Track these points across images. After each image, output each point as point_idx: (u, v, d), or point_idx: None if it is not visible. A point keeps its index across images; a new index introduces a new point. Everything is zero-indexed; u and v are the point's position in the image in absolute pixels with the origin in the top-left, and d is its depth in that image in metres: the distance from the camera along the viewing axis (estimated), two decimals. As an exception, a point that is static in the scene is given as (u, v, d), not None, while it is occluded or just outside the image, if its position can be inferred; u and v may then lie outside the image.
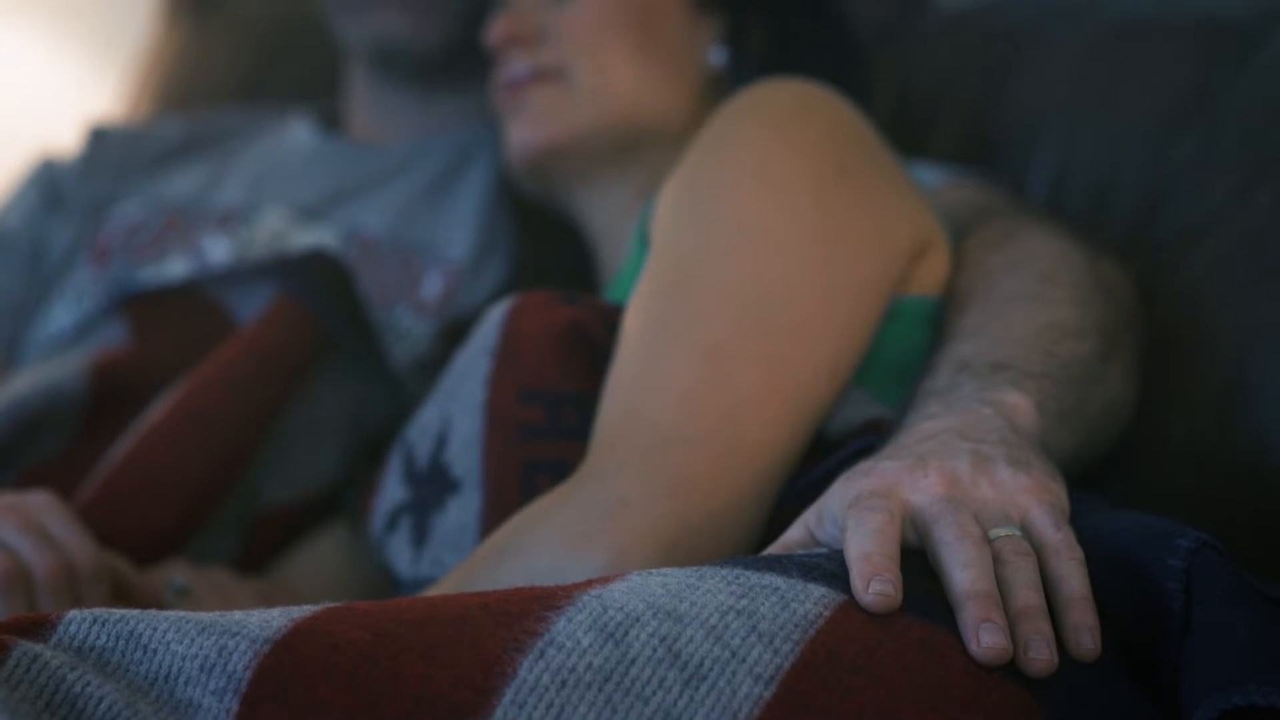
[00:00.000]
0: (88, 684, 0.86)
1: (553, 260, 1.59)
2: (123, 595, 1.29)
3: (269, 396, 1.45)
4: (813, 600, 0.92)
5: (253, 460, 1.45)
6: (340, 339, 1.49)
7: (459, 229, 1.69)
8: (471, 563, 1.12)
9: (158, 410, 1.43)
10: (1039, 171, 1.55)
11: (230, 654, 0.87)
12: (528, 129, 1.48)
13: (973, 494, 1.00)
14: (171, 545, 1.40)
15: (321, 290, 1.50)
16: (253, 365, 1.45)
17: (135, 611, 0.90)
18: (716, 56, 1.50)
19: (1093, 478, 1.20)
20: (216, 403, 1.43)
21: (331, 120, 1.86)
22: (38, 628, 0.90)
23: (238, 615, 0.90)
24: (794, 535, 1.03)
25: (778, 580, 0.93)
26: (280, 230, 1.70)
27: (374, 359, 1.51)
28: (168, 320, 1.56)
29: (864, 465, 1.03)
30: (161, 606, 1.29)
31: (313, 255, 1.55)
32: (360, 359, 1.50)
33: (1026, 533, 0.98)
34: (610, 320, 1.21)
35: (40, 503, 1.28)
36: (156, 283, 1.63)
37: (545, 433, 1.20)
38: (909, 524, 0.98)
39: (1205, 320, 1.31)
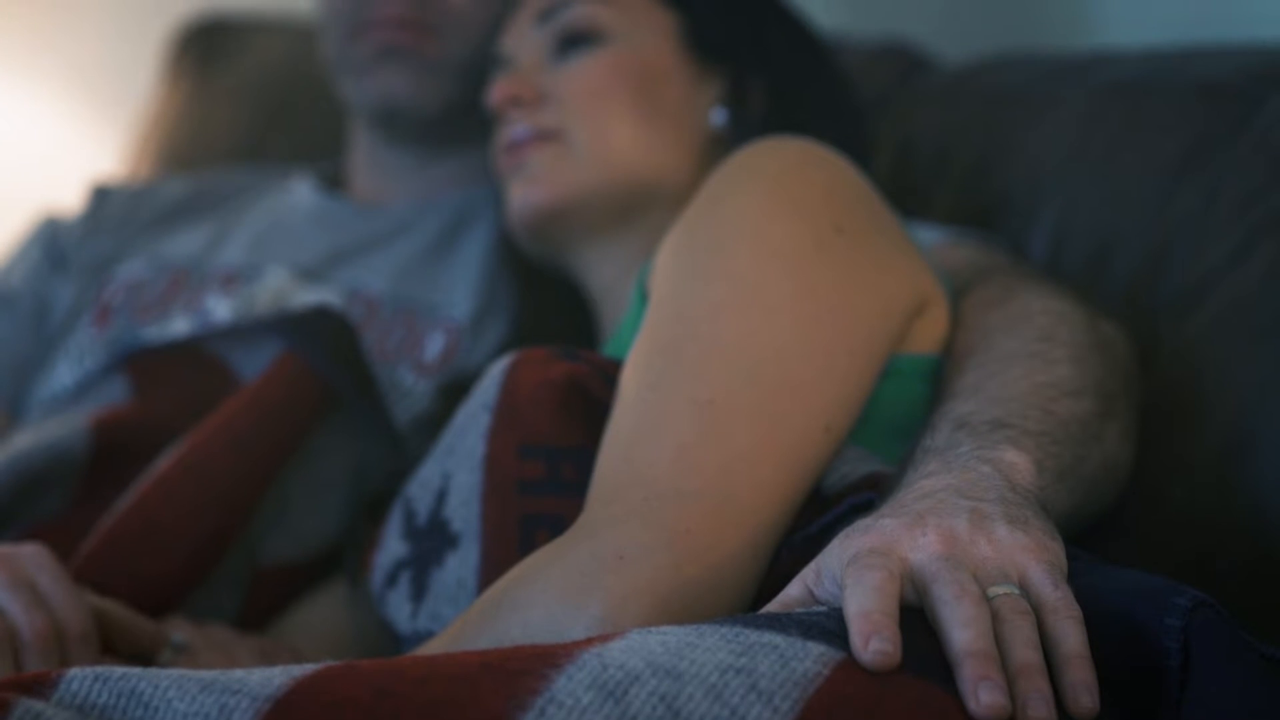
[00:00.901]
0: (89, 741, 0.86)
1: (553, 320, 1.59)
2: (119, 638, 1.29)
3: (271, 451, 1.45)
4: (812, 658, 0.92)
5: (254, 515, 1.45)
6: (344, 396, 1.49)
7: (460, 289, 1.69)
8: (468, 616, 1.12)
9: (161, 464, 1.43)
10: (1039, 231, 1.55)
11: (231, 712, 0.87)
12: (528, 190, 1.49)
13: (971, 552, 1.00)
14: (172, 597, 1.40)
15: (326, 346, 1.50)
16: (255, 420, 1.45)
17: (137, 670, 0.91)
18: (717, 117, 1.51)
19: (1090, 536, 1.20)
20: (219, 457, 1.43)
21: (334, 181, 1.87)
22: (39, 685, 0.90)
23: (239, 673, 0.90)
24: (793, 593, 1.03)
25: (777, 638, 0.94)
26: (282, 290, 1.71)
27: (378, 416, 1.51)
28: (170, 378, 1.56)
29: (863, 523, 1.03)
30: (158, 649, 1.30)
31: (317, 311, 1.56)
32: (364, 416, 1.51)
33: (1025, 591, 0.98)
34: (609, 375, 1.22)
35: (31, 557, 1.26)
36: (159, 340, 1.63)
37: (544, 487, 1.21)
38: (908, 582, 0.99)
39: (1203, 380, 1.31)
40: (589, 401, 1.22)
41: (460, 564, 1.24)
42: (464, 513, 1.25)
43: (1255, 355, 1.29)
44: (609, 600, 1.07)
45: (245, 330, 1.56)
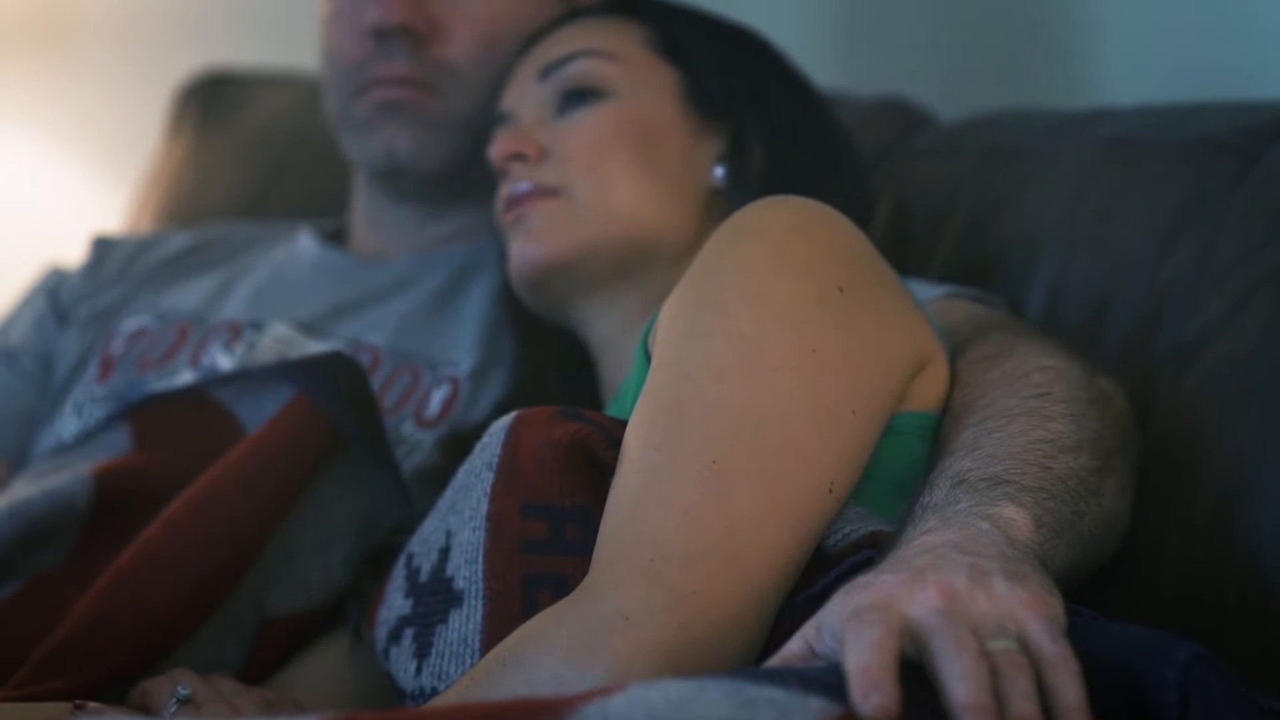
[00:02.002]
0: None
1: (554, 375, 1.60)
2: None
3: (279, 491, 1.45)
4: (811, 712, 0.92)
5: (261, 555, 1.45)
6: (353, 441, 1.49)
7: (462, 343, 1.70)
8: (474, 675, 1.13)
9: (170, 507, 1.44)
10: (1036, 287, 1.56)
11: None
12: (530, 245, 1.49)
13: (970, 607, 1.00)
14: (178, 633, 1.41)
15: (338, 392, 1.50)
16: (264, 460, 1.45)
17: (142, 718, 0.91)
18: (718, 174, 1.52)
19: (1088, 590, 1.21)
20: (227, 494, 1.43)
21: (336, 236, 1.88)
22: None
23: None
24: (793, 648, 1.04)
25: (777, 693, 0.94)
26: (285, 344, 1.71)
27: (386, 464, 1.51)
28: (174, 428, 1.57)
29: (862, 579, 1.04)
30: (148, 710, 1.30)
31: (330, 356, 1.56)
32: (372, 466, 1.51)
33: (1023, 645, 0.98)
34: (613, 435, 1.22)
35: None
36: (162, 389, 1.64)
37: (547, 547, 1.21)
38: (907, 637, 0.99)
39: (1200, 435, 1.32)
40: (592, 461, 1.22)
41: (464, 622, 1.25)
42: (467, 571, 1.25)
43: (1251, 410, 1.29)
44: (615, 661, 1.07)
45: (255, 376, 1.56)
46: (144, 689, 1.35)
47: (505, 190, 1.53)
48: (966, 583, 1.01)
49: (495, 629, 1.21)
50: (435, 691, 1.25)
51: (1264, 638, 1.22)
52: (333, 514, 1.49)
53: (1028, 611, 1.00)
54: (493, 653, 1.13)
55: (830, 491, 1.17)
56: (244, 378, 1.57)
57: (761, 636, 1.13)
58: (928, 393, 1.27)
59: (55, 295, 1.86)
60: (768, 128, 1.55)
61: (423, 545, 1.32)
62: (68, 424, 1.72)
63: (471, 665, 1.21)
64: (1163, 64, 1.83)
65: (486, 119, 1.64)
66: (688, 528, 1.12)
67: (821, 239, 1.26)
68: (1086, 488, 1.19)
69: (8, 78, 3.04)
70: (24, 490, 1.54)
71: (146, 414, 1.59)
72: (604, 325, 1.51)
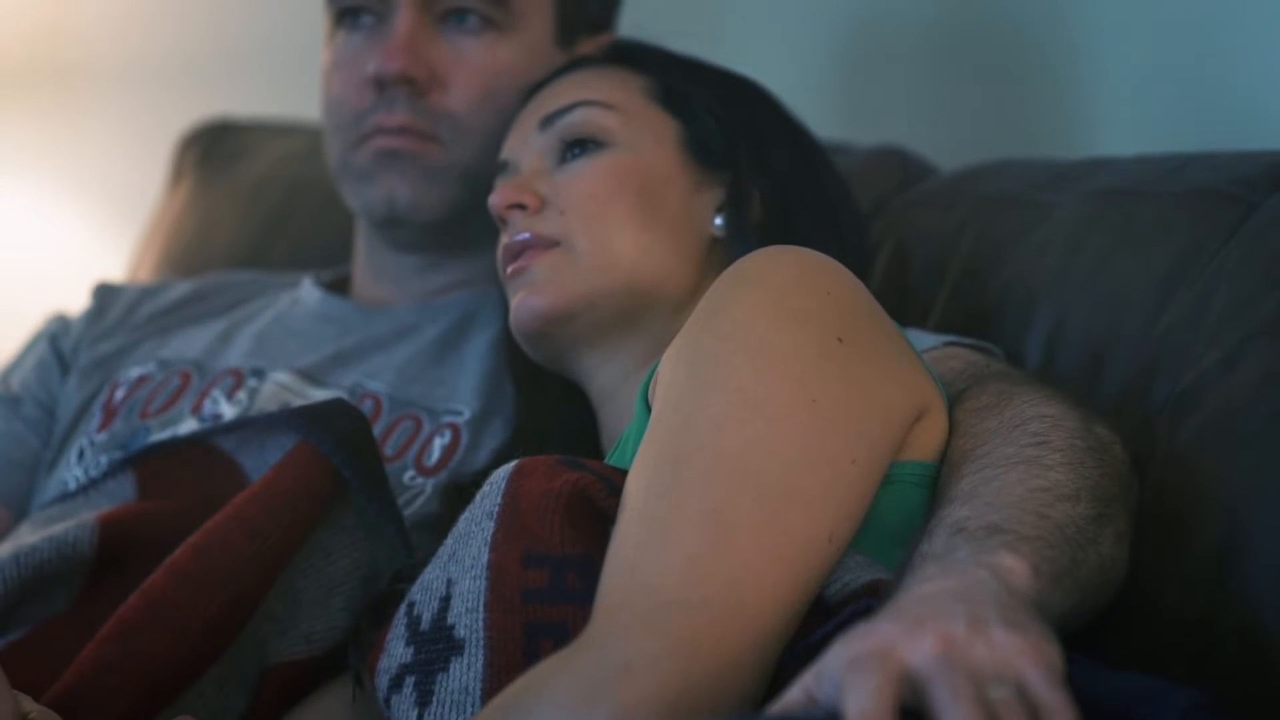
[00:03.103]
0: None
1: (554, 424, 1.60)
2: None
3: (284, 538, 1.45)
4: (812, 759, 0.93)
5: (263, 604, 1.45)
6: (356, 488, 1.50)
7: (463, 391, 1.70)
8: (477, 724, 1.13)
9: (174, 554, 1.44)
10: (1034, 336, 1.56)
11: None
12: (530, 296, 1.50)
13: (969, 654, 1.01)
14: (183, 679, 1.41)
15: (340, 439, 1.50)
16: (268, 505, 1.45)
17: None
18: (718, 224, 1.53)
19: (1086, 639, 1.21)
20: (231, 540, 1.43)
21: (338, 284, 1.89)
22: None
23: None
24: (794, 695, 1.04)
25: (776, 740, 0.94)
26: (287, 389, 1.72)
27: (388, 512, 1.51)
28: (177, 477, 1.57)
29: (862, 627, 1.04)
30: None
31: (333, 403, 1.57)
32: (374, 512, 1.51)
33: (1021, 693, 0.99)
34: (614, 484, 1.23)
35: None
36: (166, 437, 1.64)
37: (548, 595, 1.21)
38: (906, 685, 0.99)
39: (1197, 484, 1.32)
40: (593, 510, 1.23)
41: (465, 671, 1.25)
42: (468, 620, 1.25)
43: (1248, 459, 1.30)
44: (617, 709, 1.07)
45: (257, 424, 1.56)
46: None
47: (506, 240, 1.54)
48: (965, 631, 1.02)
49: (496, 678, 1.21)
50: (438, 740, 1.26)
51: (1262, 686, 1.22)
52: (335, 562, 1.49)
53: (1026, 659, 1.01)
54: (494, 701, 1.14)
55: (830, 540, 1.17)
56: (247, 425, 1.57)
57: (762, 684, 1.13)
58: (926, 442, 1.28)
59: (58, 342, 1.86)
60: (767, 177, 1.56)
61: (424, 593, 1.32)
62: (71, 472, 1.72)
63: (473, 714, 1.21)
64: (1159, 115, 1.84)
65: (487, 168, 1.65)
66: (689, 576, 1.13)
67: (821, 289, 1.27)
68: (1084, 536, 1.19)
69: (11, 125, 3.05)
70: (28, 538, 1.55)
71: (150, 462, 1.59)
72: (604, 375, 1.52)
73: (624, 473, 1.23)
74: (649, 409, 1.27)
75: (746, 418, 1.19)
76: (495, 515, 1.25)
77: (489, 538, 1.25)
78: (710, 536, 1.14)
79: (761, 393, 1.20)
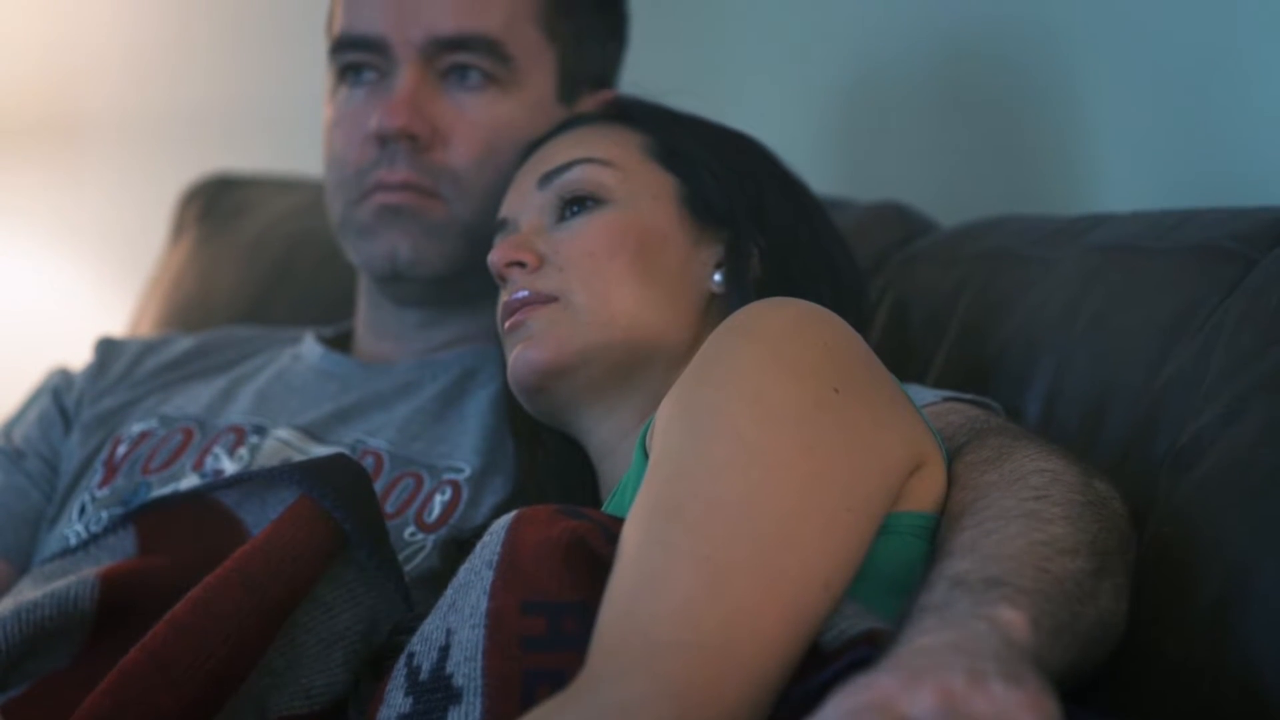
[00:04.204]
0: None
1: (553, 478, 1.60)
2: None
3: (284, 593, 1.45)
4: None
5: (264, 658, 1.45)
6: (357, 543, 1.50)
7: (464, 447, 1.71)
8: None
9: (175, 608, 1.43)
10: (1034, 391, 1.57)
11: None
12: (529, 350, 1.50)
13: (968, 708, 1.01)
14: None
15: (341, 494, 1.50)
16: (268, 560, 1.45)
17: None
18: (716, 280, 1.53)
19: (1086, 692, 1.21)
20: (231, 594, 1.43)
21: (340, 340, 1.89)
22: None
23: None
24: (792, 747, 1.04)
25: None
26: (289, 446, 1.72)
27: (388, 567, 1.51)
28: (179, 532, 1.57)
29: (861, 679, 1.04)
30: None
31: (334, 458, 1.57)
32: (375, 567, 1.51)
33: (1021, 747, 0.99)
34: (611, 532, 1.23)
35: None
36: (167, 493, 1.64)
37: (546, 643, 1.21)
38: (905, 738, 0.99)
39: (1196, 538, 1.32)
40: (591, 558, 1.23)
41: (462, 719, 1.25)
42: (467, 668, 1.25)
43: (1248, 513, 1.30)
44: None
45: (259, 479, 1.56)
46: None
47: (505, 297, 1.54)
48: (964, 684, 1.02)
49: (495, 725, 1.21)
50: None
51: (1262, 741, 1.22)
52: (336, 616, 1.49)
53: (1025, 713, 1.01)
54: (492, 747, 1.14)
55: (826, 587, 1.17)
56: (248, 480, 1.57)
57: (757, 729, 1.13)
58: (924, 493, 1.28)
59: (60, 397, 1.87)
60: (766, 234, 1.56)
61: (423, 644, 1.32)
62: (73, 527, 1.72)
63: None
64: (1159, 170, 1.84)
65: (488, 224, 1.65)
66: (684, 619, 1.13)
67: (818, 340, 1.27)
68: (1083, 590, 1.19)
69: (14, 179, 3.06)
70: (29, 593, 1.54)
71: (151, 518, 1.59)
72: (603, 430, 1.52)
73: (622, 521, 1.23)
74: (647, 457, 1.28)
75: (743, 466, 1.19)
76: (494, 564, 1.25)
77: (488, 586, 1.25)
78: (705, 581, 1.14)
79: (758, 441, 1.20)
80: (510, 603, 1.23)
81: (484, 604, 1.25)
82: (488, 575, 1.26)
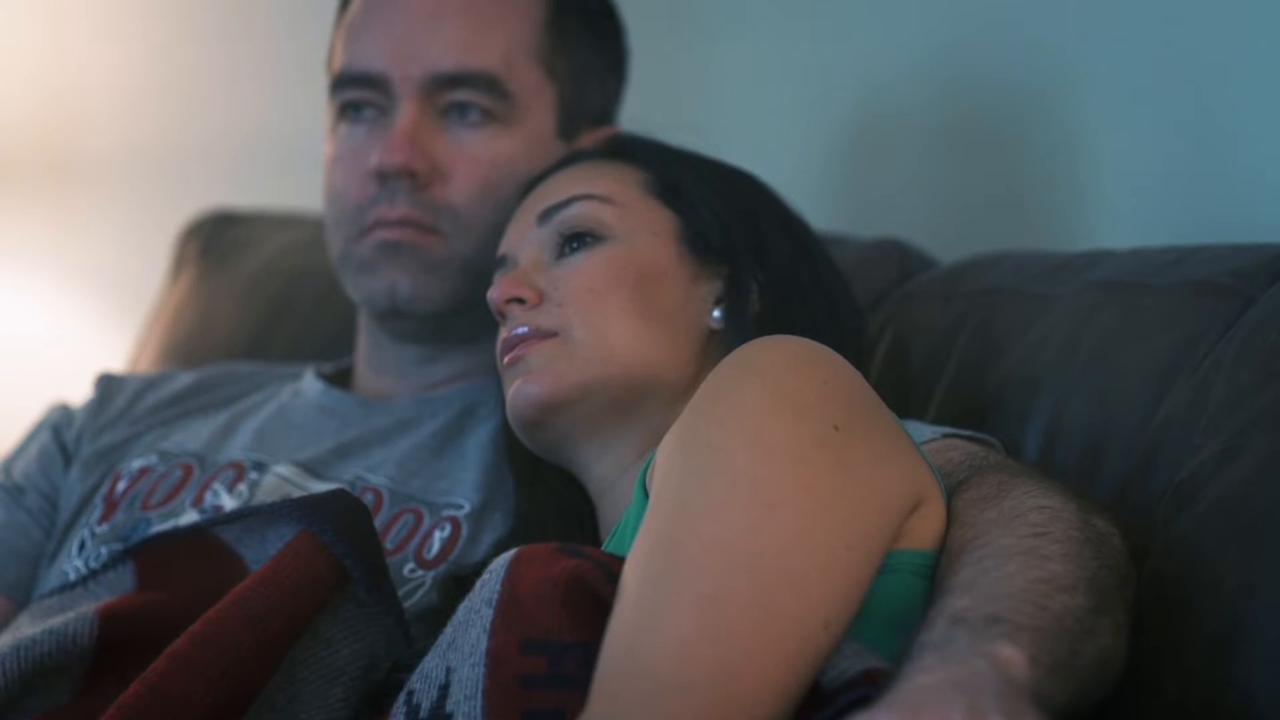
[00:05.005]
0: None
1: (553, 515, 1.60)
2: None
3: (283, 630, 1.44)
4: None
5: (263, 694, 1.45)
6: (357, 579, 1.50)
7: (464, 483, 1.71)
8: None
9: (175, 642, 1.43)
10: (1033, 428, 1.57)
11: None
12: (528, 384, 1.50)
13: (968, 746, 1.01)
14: None
15: (342, 529, 1.50)
16: (268, 595, 1.45)
17: None
18: (716, 316, 1.53)
19: (1086, 729, 1.22)
20: (231, 629, 1.43)
21: (340, 376, 1.89)
22: None
23: None
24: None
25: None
26: (288, 482, 1.72)
27: (388, 604, 1.51)
28: (177, 568, 1.57)
29: (860, 717, 1.04)
30: None
31: (333, 495, 1.57)
32: (375, 603, 1.50)
33: (1021, 784, 0.99)
34: (612, 572, 1.23)
35: None
36: (166, 529, 1.64)
37: (546, 683, 1.21)
38: (905, 775, 0.99)
39: (1195, 576, 1.32)
40: (592, 597, 1.23)
41: (463, 759, 1.25)
42: (466, 707, 1.25)
43: (1246, 550, 1.30)
44: None
45: (258, 515, 1.56)
46: None
47: (504, 333, 1.55)
48: (964, 721, 1.02)
49: (495, 765, 1.21)
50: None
51: (1262, 779, 1.22)
52: (335, 652, 1.49)
53: (1025, 750, 1.01)
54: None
55: (826, 627, 1.17)
56: (247, 516, 1.57)
57: (759, 771, 1.13)
58: (924, 531, 1.28)
59: (60, 433, 1.87)
60: (765, 270, 1.57)
61: (423, 682, 1.32)
62: (72, 563, 1.72)
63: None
64: (1157, 207, 1.85)
65: (488, 260, 1.65)
66: (684, 659, 1.13)
67: (818, 378, 1.27)
68: (1083, 627, 1.19)
69: (14, 215, 3.07)
70: (28, 629, 1.54)
71: (150, 554, 1.59)
72: (602, 467, 1.52)
73: (622, 560, 1.23)
74: (647, 495, 1.28)
75: (743, 504, 1.19)
76: (494, 603, 1.25)
77: (488, 625, 1.25)
78: (706, 621, 1.14)
79: (758, 480, 1.20)
80: (510, 641, 1.23)
81: (484, 643, 1.25)
82: (487, 613, 1.26)
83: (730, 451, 1.22)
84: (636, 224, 1.55)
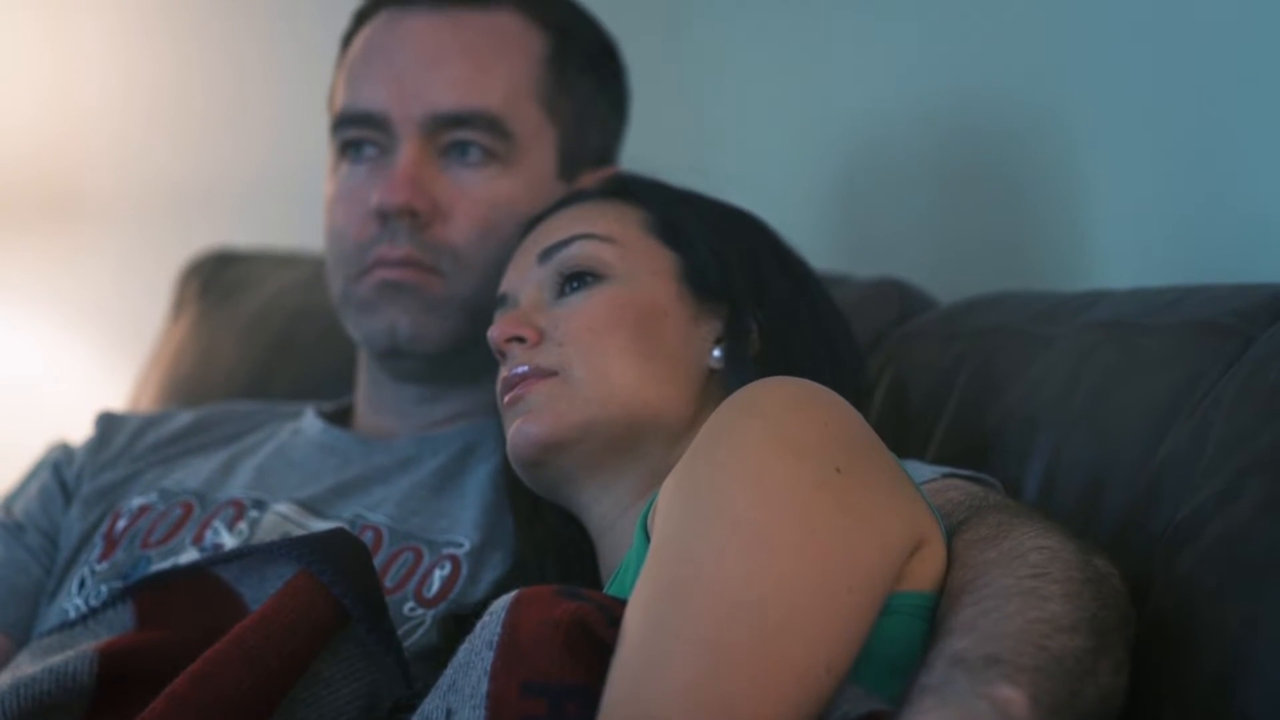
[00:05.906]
0: None
1: (552, 555, 1.60)
2: None
3: (282, 669, 1.44)
4: None
5: None
6: (357, 619, 1.49)
7: (464, 522, 1.71)
8: None
9: (174, 681, 1.43)
10: (1032, 467, 1.57)
11: None
12: (528, 423, 1.50)
13: (969, 787, 1.01)
14: None
15: (341, 568, 1.50)
16: (267, 635, 1.45)
17: None
18: (716, 355, 1.54)
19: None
20: (230, 669, 1.43)
21: (340, 415, 1.89)
22: None
23: None
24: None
25: None
26: (288, 521, 1.72)
27: (388, 643, 1.51)
28: (176, 607, 1.57)
29: (861, 758, 1.04)
30: None
31: (333, 533, 1.57)
32: (374, 642, 1.50)
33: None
34: (613, 615, 1.23)
35: None
36: (166, 568, 1.64)
37: (548, 725, 1.21)
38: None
39: (1194, 615, 1.32)
40: (593, 640, 1.23)
41: (463, 801, 1.24)
42: (468, 749, 1.25)
43: (1246, 589, 1.30)
44: None
45: (258, 554, 1.56)
46: None
47: (504, 372, 1.55)
48: (965, 763, 1.02)
49: (495, 808, 1.20)
50: None
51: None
52: (335, 691, 1.49)
53: (1025, 791, 1.01)
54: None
55: (828, 670, 1.17)
56: (247, 555, 1.57)
57: (761, 815, 1.12)
58: (925, 573, 1.28)
59: (61, 471, 1.87)
60: (765, 309, 1.57)
61: (424, 724, 1.32)
62: (72, 601, 1.72)
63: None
64: (1157, 247, 1.85)
65: (488, 300, 1.65)
66: (687, 704, 1.12)
67: (819, 420, 1.27)
68: (1083, 667, 1.19)
69: (15, 256, 3.07)
70: (27, 668, 1.54)
71: (150, 592, 1.59)
72: (602, 507, 1.52)
73: (624, 603, 1.23)
74: (648, 537, 1.28)
75: (744, 547, 1.19)
76: (495, 645, 1.25)
77: (488, 667, 1.25)
78: (708, 665, 1.14)
79: (760, 522, 1.20)
80: (511, 684, 1.23)
81: (484, 685, 1.24)
82: (488, 656, 1.25)
83: (731, 495, 1.22)
84: (637, 263, 1.55)
